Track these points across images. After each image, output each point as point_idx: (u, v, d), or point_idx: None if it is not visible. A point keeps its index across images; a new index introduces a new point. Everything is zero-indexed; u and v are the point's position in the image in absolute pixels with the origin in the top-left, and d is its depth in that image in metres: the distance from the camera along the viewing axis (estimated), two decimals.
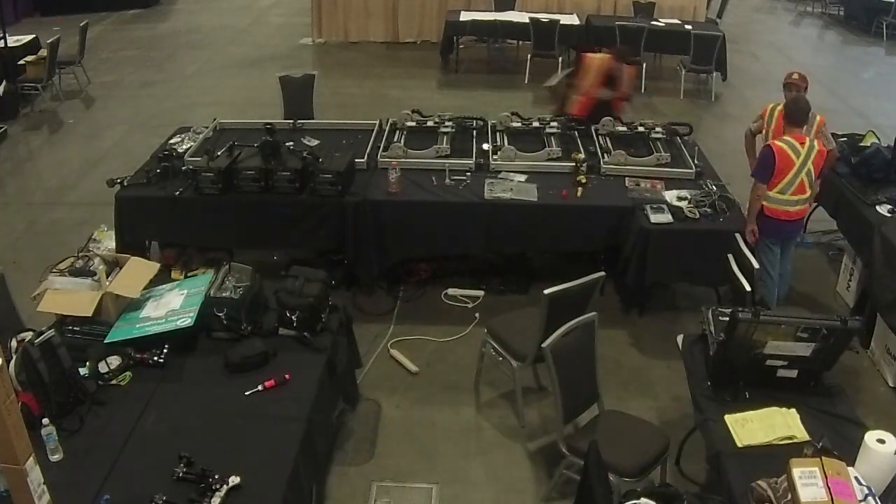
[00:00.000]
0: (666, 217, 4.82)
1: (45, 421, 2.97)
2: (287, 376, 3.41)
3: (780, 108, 5.04)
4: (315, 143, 5.66)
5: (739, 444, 3.10)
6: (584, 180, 5.15)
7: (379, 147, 5.55)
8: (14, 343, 3.33)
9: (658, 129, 5.78)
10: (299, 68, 7.57)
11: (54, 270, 3.82)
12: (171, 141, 5.75)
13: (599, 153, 5.48)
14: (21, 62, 9.04)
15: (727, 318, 3.33)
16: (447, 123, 5.75)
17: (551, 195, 5.06)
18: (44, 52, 9.02)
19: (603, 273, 4.00)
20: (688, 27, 9.96)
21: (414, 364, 4.71)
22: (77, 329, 3.67)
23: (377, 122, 5.99)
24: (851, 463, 2.81)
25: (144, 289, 3.86)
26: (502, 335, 4.27)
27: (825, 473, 2.64)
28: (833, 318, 3.26)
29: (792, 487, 2.63)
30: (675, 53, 9.99)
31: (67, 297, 3.70)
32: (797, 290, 5.61)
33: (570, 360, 3.54)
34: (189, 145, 5.54)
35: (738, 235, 4.48)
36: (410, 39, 11.73)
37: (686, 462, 3.90)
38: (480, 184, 5.15)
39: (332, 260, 5.35)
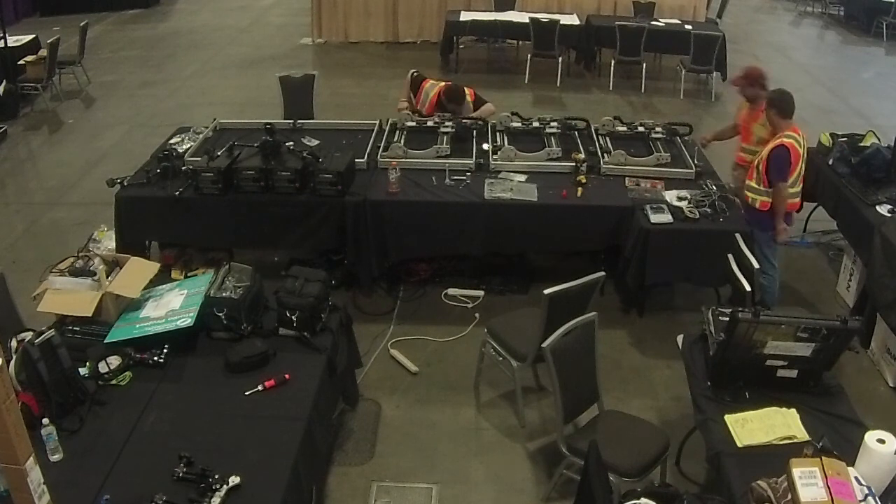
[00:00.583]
0: (666, 217, 4.82)
1: (45, 421, 2.97)
2: (287, 376, 3.41)
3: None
4: (315, 143, 5.66)
5: (739, 444, 3.10)
6: (584, 180, 5.15)
7: (379, 147, 5.55)
8: (14, 343, 3.33)
9: (658, 129, 5.78)
10: (299, 68, 7.57)
11: (54, 270, 3.82)
12: (171, 141, 5.75)
13: (599, 153, 5.48)
14: (21, 62, 9.04)
15: (727, 318, 3.33)
16: (447, 123, 5.75)
17: (551, 195, 5.06)
18: (44, 52, 9.02)
19: (603, 273, 4.00)
20: (688, 27, 9.96)
21: (414, 364, 4.71)
22: (77, 329, 3.67)
23: (377, 122, 5.99)
24: (851, 463, 2.81)
25: (144, 289, 3.86)
26: (502, 335, 4.27)
27: (825, 473, 2.64)
28: (833, 318, 3.26)
29: (792, 487, 2.64)
30: (674, 53, 9.99)
31: (67, 297, 3.70)
32: (797, 290, 5.62)
33: (570, 360, 3.54)
34: (189, 145, 5.54)
35: (738, 235, 4.48)
36: (410, 39, 11.73)
37: (686, 462, 3.90)
38: (480, 184, 5.15)
39: (332, 260, 5.35)
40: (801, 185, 4.90)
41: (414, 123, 5.82)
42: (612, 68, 9.79)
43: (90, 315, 3.66)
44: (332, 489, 3.84)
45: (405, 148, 5.43)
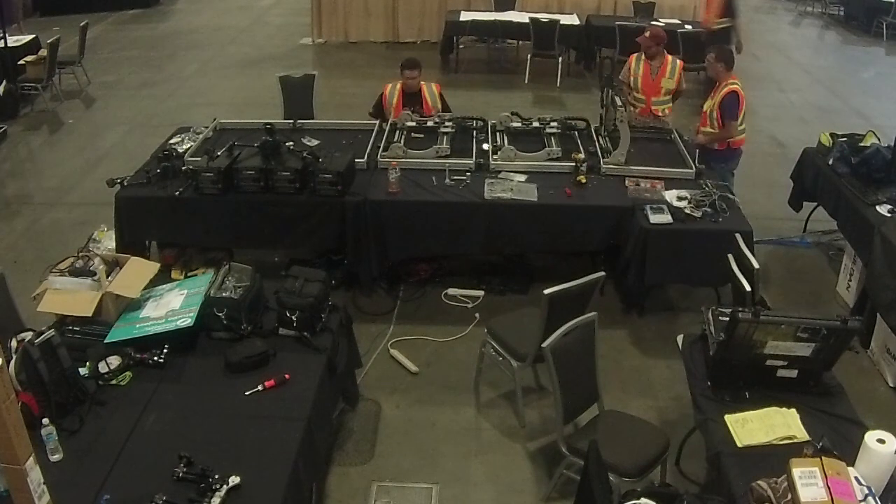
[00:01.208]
0: (666, 217, 4.82)
1: (45, 421, 2.97)
2: (287, 376, 3.41)
3: (643, 57, 6.30)
4: (315, 143, 5.66)
5: (739, 444, 3.10)
6: (584, 180, 5.15)
7: (379, 147, 5.55)
8: (14, 343, 3.33)
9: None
10: (299, 68, 7.57)
11: (54, 270, 3.82)
12: (171, 141, 5.75)
13: (599, 153, 5.48)
14: (21, 62, 9.05)
15: (727, 318, 3.33)
16: (447, 123, 5.75)
17: (551, 195, 5.06)
18: (44, 52, 9.02)
19: (603, 273, 4.00)
20: (687, 27, 9.96)
21: (414, 364, 4.71)
22: (77, 329, 3.67)
23: (377, 122, 5.98)
24: (851, 463, 2.81)
25: (144, 289, 3.86)
26: (502, 335, 4.27)
27: (825, 473, 2.64)
28: (833, 318, 3.26)
29: (792, 487, 2.64)
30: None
31: (67, 297, 3.70)
32: (797, 290, 5.62)
33: (570, 360, 3.54)
34: (189, 145, 5.54)
35: (738, 235, 4.48)
36: (410, 39, 11.73)
37: (686, 462, 3.90)
38: (480, 184, 5.15)
39: (332, 260, 5.35)
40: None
41: (414, 123, 5.82)
42: (612, 68, 9.78)
43: (90, 315, 3.66)
44: (332, 489, 3.84)
45: (405, 148, 5.43)
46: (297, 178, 4.94)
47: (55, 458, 2.96)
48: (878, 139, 5.76)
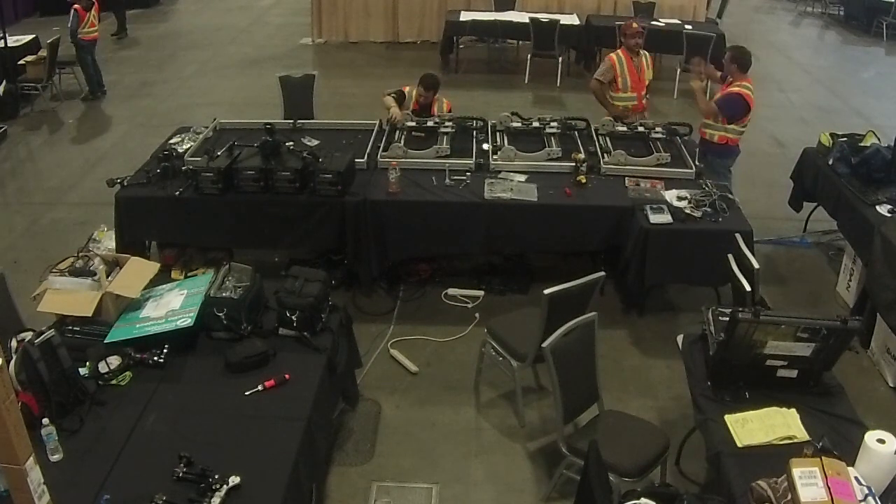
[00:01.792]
0: (666, 217, 4.82)
1: (45, 421, 2.97)
2: (287, 376, 3.41)
3: (624, 56, 6.27)
4: (315, 143, 5.66)
5: (739, 444, 3.10)
6: (584, 180, 5.15)
7: (379, 147, 5.55)
8: (14, 343, 3.33)
9: (658, 129, 5.79)
10: (299, 68, 7.56)
11: (54, 270, 3.82)
12: (171, 141, 5.75)
13: (599, 153, 5.48)
14: (21, 62, 9.05)
15: (727, 318, 3.33)
16: (447, 123, 5.75)
17: (551, 195, 5.06)
18: (44, 52, 9.03)
19: (603, 273, 4.00)
20: (687, 27, 9.96)
21: (414, 364, 4.71)
22: (77, 329, 3.67)
23: (377, 122, 5.99)
24: (851, 463, 2.81)
25: (144, 289, 3.86)
26: (502, 335, 4.27)
27: (825, 473, 2.64)
28: (833, 318, 3.26)
29: (792, 487, 2.64)
30: (674, 53, 9.99)
31: (67, 297, 3.70)
32: (797, 290, 5.62)
33: (570, 360, 3.54)
34: (189, 145, 5.54)
35: (738, 235, 4.48)
36: (410, 39, 11.73)
37: (686, 462, 3.90)
38: (480, 184, 5.15)
39: (332, 260, 5.35)
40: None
41: (414, 123, 5.82)
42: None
43: (90, 315, 3.66)
44: (332, 489, 3.84)
45: (405, 148, 5.43)
46: (297, 178, 4.94)
47: (55, 458, 2.96)
48: (878, 139, 5.76)
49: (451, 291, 5.41)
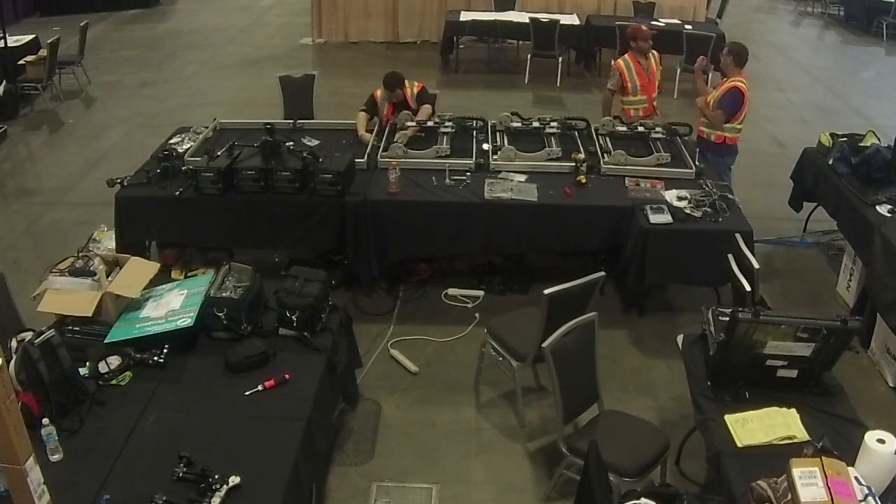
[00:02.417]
0: (666, 217, 4.82)
1: (45, 421, 2.97)
2: (287, 376, 3.41)
3: (631, 60, 6.31)
4: (315, 143, 5.66)
5: (739, 444, 3.10)
6: (584, 180, 5.15)
7: (379, 147, 5.55)
8: (14, 343, 3.33)
9: (658, 129, 5.78)
10: (299, 68, 7.57)
11: (54, 270, 3.82)
12: (171, 141, 5.75)
13: (599, 153, 5.48)
14: (21, 62, 9.05)
15: (727, 318, 3.33)
16: (447, 123, 5.74)
17: (551, 195, 5.06)
18: (44, 52, 9.02)
19: (603, 273, 4.00)
20: (687, 27, 9.95)
21: (414, 364, 4.71)
22: (77, 329, 3.67)
23: (377, 122, 5.98)
24: (851, 463, 2.81)
25: (144, 289, 3.86)
26: (502, 335, 4.27)
27: (825, 473, 2.64)
28: (833, 318, 3.26)
29: (792, 487, 2.64)
30: (674, 53, 9.98)
31: (67, 297, 3.70)
32: (797, 290, 5.62)
33: (570, 360, 3.54)
34: (189, 145, 5.54)
35: (738, 235, 4.48)
36: (410, 39, 11.73)
37: (686, 462, 3.90)
38: (480, 184, 5.15)
39: (332, 260, 5.35)
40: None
41: (414, 124, 5.81)
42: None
43: (90, 315, 3.66)
44: (332, 489, 3.84)
45: (405, 148, 5.43)
46: (297, 178, 4.94)
47: (55, 458, 2.96)
48: (878, 139, 5.76)
49: (451, 291, 5.41)
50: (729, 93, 5.60)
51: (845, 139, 5.77)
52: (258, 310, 3.81)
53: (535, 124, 5.86)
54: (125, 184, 5.14)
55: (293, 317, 3.63)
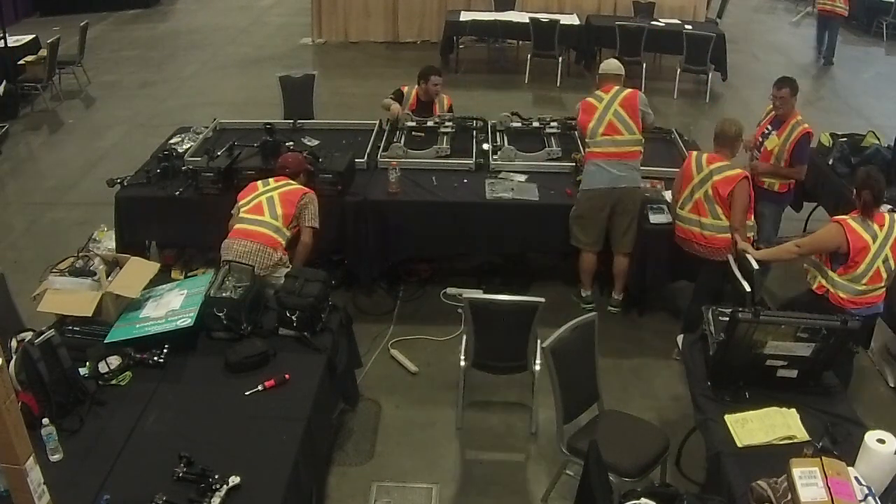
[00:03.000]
0: (665, 217, 4.82)
1: (45, 421, 2.97)
2: (287, 376, 3.41)
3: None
4: (315, 143, 5.66)
5: (739, 444, 3.10)
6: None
7: (379, 147, 5.55)
8: (14, 343, 3.33)
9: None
10: (299, 68, 7.56)
11: (54, 270, 3.82)
12: (171, 141, 5.75)
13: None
14: (21, 62, 9.04)
15: (727, 318, 3.33)
16: (447, 123, 5.75)
17: (552, 195, 5.06)
18: (44, 52, 9.02)
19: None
20: (687, 27, 9.95)
21: (414, 364, 4.71)
22: (77, 329, 3.67)
23: (377, 122, 5.99)
24: (851, 463, 2.81)
25: (144, 289, 3.86)
26: None
27: (825, 473, 2.64)
28: (833, 318, 3.26)
29: (792, 487, 2.64)
30: (674, 53, 9.99)
31: (67, 297, 3.71)
32: (797, 290, 5.60)
33: (570, 360, 3.54)
34: (189, 145, 5.54)
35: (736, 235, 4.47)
36: (410, 39, 11.73)
37: (686, 462, 3.90)
38: (480, 184, 5.15)
39: (332, 260, 5.35)
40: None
41: (414, 123, 5.82)
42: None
43: (90, 315, 3.66)
44: (332, 489, 3.84)
45: (405, 148, 5.43)
46: None
47: (55, 458, 2.96)
48: (878, 139, 5.76)
49: (450, 290, 5.41)
50: (803, 138, 4.92)
51: (845, 139, 5.77)
52: (258, 310, 3.81)
53: (535, 124, 5.86)
54: (125, 184, 5.14)
55: (293, 317, 3.63)
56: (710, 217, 4.46)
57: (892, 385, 4.63)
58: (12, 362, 3.15)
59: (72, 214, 6.52)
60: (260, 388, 3.35)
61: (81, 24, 9.81)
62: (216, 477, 2.83)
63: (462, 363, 4.12)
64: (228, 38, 12.10)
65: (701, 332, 3.69)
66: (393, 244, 5.12)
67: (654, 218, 4.80)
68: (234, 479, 2.83)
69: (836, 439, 3.05)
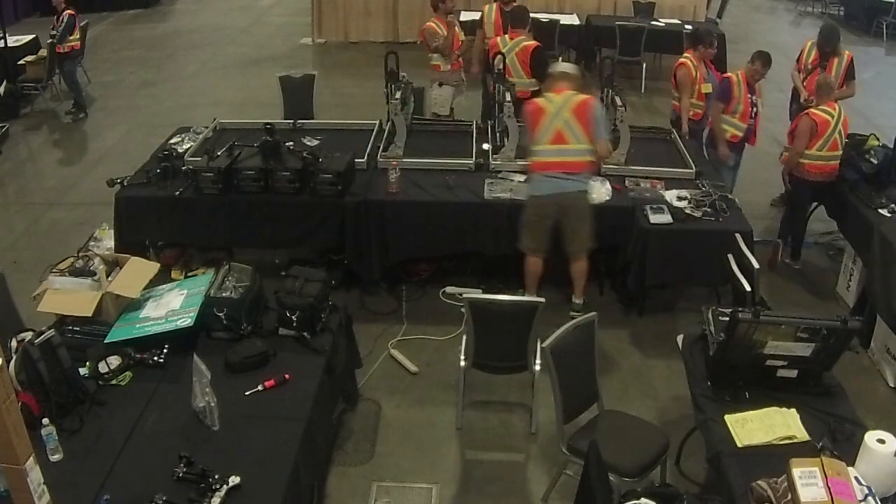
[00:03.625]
0: (666, 217, 4.82)
1: (45, 421, 2.97)
2: (287, 376, 3.41)
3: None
4: (315, 143, 5.65)
5: (739, 444, 3.10)
6: None
7: (379, 147, 5.55)
8: (14, 343, 3.33)
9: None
10: (299, 68, 7.57)
11: (54, 270, 3.82)
12: (171, 141, 5.75)
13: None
14: (21, 62, 9.05)
15: (727, 318, 3.33)
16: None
17: None
18: (44, 52, 9.02)
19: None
20: (687, 27, 9.94)
21: (414, 364, 4.70)
22: (77, 329, 3.67)
23: (377, 122, 5.99)
24: (851, 463, 2.81)
25: (144, 289, 3.86)
26: None
27: (825, 473, 2.64)
28: (833, 318, 3.26)
29: (792, 487, 2.64)
30: (674, 53, 9.96)
31: (67, 297, 3.70)
32: (797, 290, 5.62)
33: (570, 360, 3.54)
34: (189, 145, 5.54)
35: (738, 235, 4.48)
36: (410, 39, 11.70)
37: (686, 462, 3.90)
38: (480, 184, 5.15)
39: (332, 260, 5.35)
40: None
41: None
42: (612, 68, 9.76)
43: (90, 315, 3.66)
44: (332, 489, 3.84)
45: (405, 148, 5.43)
46: (297, 178, 4.94)
47: (55, 458, 2.96)
48: (878, 140, 5.76)
49: (449, 290, 5.40)
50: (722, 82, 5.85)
51: (847, 139, 5.76)
52: (258, 310, 3.81)
53: None
54: (125, 184, 5.14)
55: (293, 317, 3.63)
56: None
57: (892, 385, 4.63)
58: (12, 362, 3.14)
59: (72, 214, 6.52)
60: (260, 388, 3.35)
61: (81, 24, 9.80)
62: (216, 477, 2.82)
63: (462, 363, 4.12)
64: (228, 38, 12.09)
65: (701, 332, 3.69)
66: (393, 244, 5.11)
67: (654, 218, 4.80)
68: (234, 479, 2.83)
69: (836, 439, 3.05)
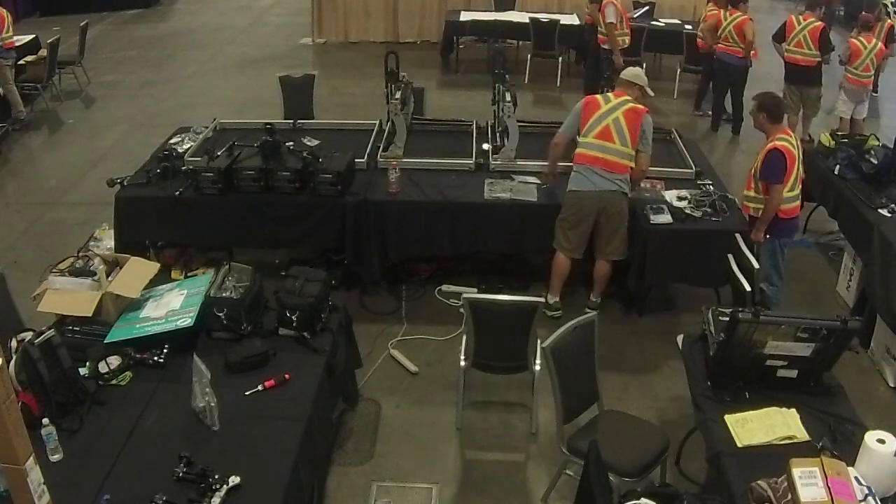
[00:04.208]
0: (666, 217, 4.82)
1: (45, 421, 2.97)
2: (287, 376, 3.40)
3: None
4: (315, 143, 5.66)
5: (739, 444, 3.10)
6: None
7: (379, 147, 5.55)
8: (14, 343, 3.33)
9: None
10: (299, 68, 7.58)
11: (54, 270, 3.82)
12: (171, 141, 5.75)
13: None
14: (21, 62, 9.04)
15: (727, 318, 3.33)
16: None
17: (552, 195, 5.05)
18: (44, 52, 9.02)
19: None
20: (687, 27, 9.95)
21: (414, 364, 4.70)
22: (77, 329, 3.66)
23: (377, 122, 5.99)
24: (851, 463, 2.81)
25: (144, 289, 3.86)
26: None
27: (825, 473, 2.64)
28: (833, 318, 3.26)
29: (792, 487, 2.64)
30: (674, 53, 9.99)
31: (67, 297, 3.70)
32: (797, 290, 5.61)
33: (569, 360, 3.54)
34: (189, 145, 5.54)
35: (738, 235, 4.48)
36: (410, 39, 11.73)
37: (686, 462, 3.90)
38: (480, 184, 5.14)
39: (332, 260, 5.35)
40: (800, 188, 4.76)
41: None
42: (612, 68, 9.76)
43: (90, 315, 3.66)
44: (332, 489, 3.84)
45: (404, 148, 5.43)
46: (297, 178, 4.94)
47: (55, 458, 2.95)
48: (878, 141, 5.76)
49: (444, 288, 5.39)
50: (769, 155, 4.57)
51: (846, 139, 5.77)
52: (258, 310, 3.81)
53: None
54: (125, 184, 5.14)
55: (293, 317, 3.63)
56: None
57: (892, 385, 4.63)
58: (12, 362, 3.14)
59: (72, 214, 6.52)
60: (260, 388, 3.35)
61: (81, 24, 9.81)
62: (216, 477, 2.82)
63: (462, 363, 4.12)
64: (228, 38, 12.10)
65: (701, 332, 3.69)
66: (393, 244, 5.12)
67: (655, 218, 4.80)
68: (234, 479, 2.82)
69: (836, 439, 3.05)
